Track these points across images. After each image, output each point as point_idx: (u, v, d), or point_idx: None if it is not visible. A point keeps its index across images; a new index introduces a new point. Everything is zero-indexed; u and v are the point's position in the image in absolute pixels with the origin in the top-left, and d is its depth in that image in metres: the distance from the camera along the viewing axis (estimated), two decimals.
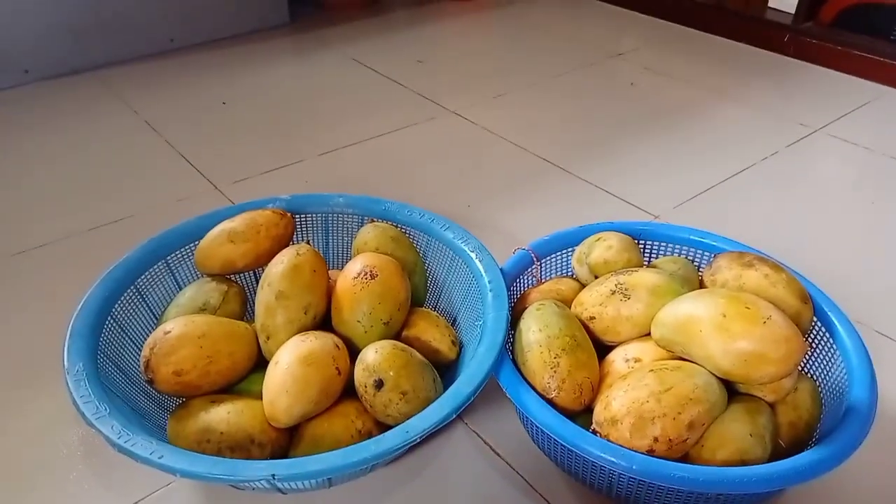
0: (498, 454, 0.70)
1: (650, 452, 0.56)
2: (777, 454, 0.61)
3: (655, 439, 0.56)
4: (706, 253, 0.78)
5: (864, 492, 0.67)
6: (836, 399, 0.64)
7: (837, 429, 0.58)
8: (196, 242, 0.76)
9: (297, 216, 0.81)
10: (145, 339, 0.65)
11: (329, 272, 0.72)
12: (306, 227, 0.83)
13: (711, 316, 0.59)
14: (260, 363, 0.68)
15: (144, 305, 0.73)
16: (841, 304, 0.69)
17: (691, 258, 0.79)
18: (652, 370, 0.59)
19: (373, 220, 0.81)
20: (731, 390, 0.62)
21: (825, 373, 0.68)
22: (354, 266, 0.70)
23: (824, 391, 0.67)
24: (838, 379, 0.65)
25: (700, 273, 0.75)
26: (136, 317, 0.72)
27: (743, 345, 0.57)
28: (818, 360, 0.69)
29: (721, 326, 0.58)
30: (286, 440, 0.63)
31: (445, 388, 0.64)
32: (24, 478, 0.67)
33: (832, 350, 0.67)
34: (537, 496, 0.66)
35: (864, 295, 0.90)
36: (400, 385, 0.61)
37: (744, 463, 0.57)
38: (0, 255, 0.97)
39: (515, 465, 0.69)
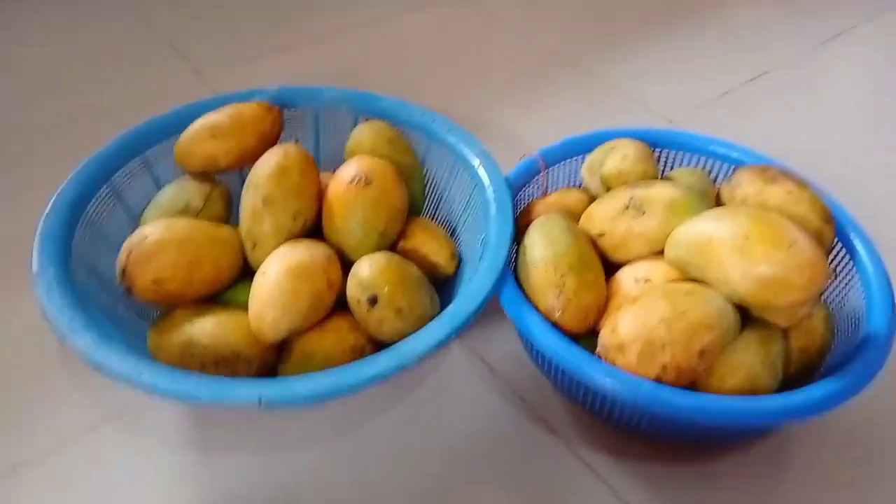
0: (496, 373, 0.68)
1: (658, 380, 0.53)
2: (787, 382, 0.58)
3: (664, 367, 0.53)
4: (726, 165, 0.73)
5: (878, 426, 0.65)
6: (852, 326, 0.61)
7: (852, 358, 0.56)
8: (176, 137, 0.70)
9: (286, 111, 0.75)
10: (123, 243, 0.60)
11: (320, 175, 0.67)
12: (295, 124, 0.77)
13: (732, 237, 0.54)
14: (246, 271, 0.64)
15: (121, 205, 0.68)
16: (867, 225, 0.65)
17: (709, 170, 0.74)
18: (664, 293, 0.55)
19: (368, 119, 0.75)
20: (743, 315, 0.58)
21: (841, 299, 0.64)
22: (348, 170, 0.64)
23: (839, 317, 0.64)
24: (855, 305, 0.62)
25: (717, 186, 0.70)
26: (112, 218, 0.67)
27: (764, 269, 0.53)
28: (835, 284, 0.66)
29: (742, 249, 0.54)
30: (274, 355, 0.60)
31: (443, 304, 0.61)
32: None
33: (852, 275, 0.64)
34: (535, 417, 0.64)
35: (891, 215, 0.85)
36: (395, 301, 0.57)
37: (753, 391, 0.55)
38: None
39: (513, 385, 0.67)
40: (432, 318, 0.56)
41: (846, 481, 0.61)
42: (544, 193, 0.72)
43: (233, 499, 0.59)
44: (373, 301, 0.57)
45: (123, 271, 0.58)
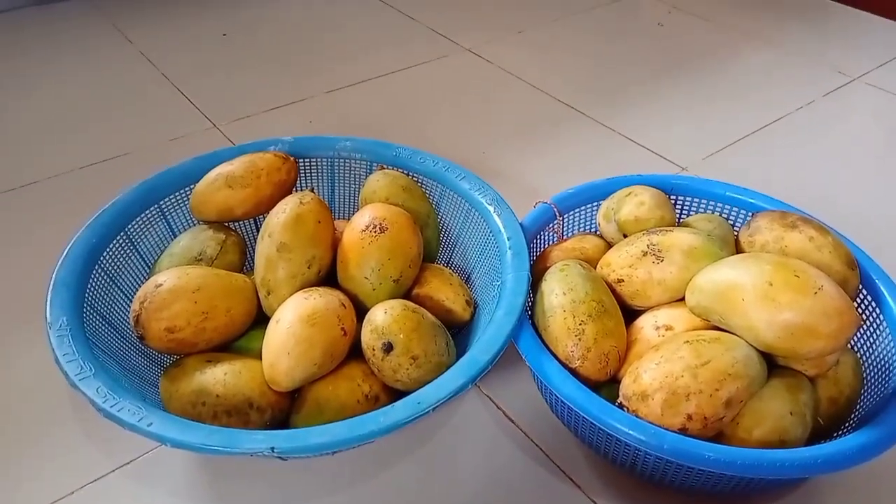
0: (513, 422, 0.66)
1: (682, 431, 0.51)
2: (816, 431, 0.56)
3: (689, 417, 0.51)
4: (743, 211, 0.72)
5: None
6: (882, 375, 0.59)
7: (885, 409, 0.54)
8: (192, 186, 0.70)
9: (301, 160, 0.75)
10: (137, 291, 0.60)
11: (335, 223, 0.66)
12: (310, 173, 0.77)
13: (756, 284, 0.53)
14: (260, 319, 0.63)
15: (136, 254, 0.68)
16: (889, 270, 0.64)
17: (726, 216, 0.73)
18: (687, 341, 0.54)
19: (382, 167, 0.75)
20: (770, 363, 0.57)
21: (869, 346, 0.63)
22: (363, 217, 0.64)
23: (867, 366, 0.62)
24: (885, 353, 0.60)
25: (736, 233, 0.69)
26: (126, 266, 0.67)
27: (790, 317, 0.52)
28: (863, 331, 0.64)
29: (767, 296, 0.53)
30: (287, 404, 0.58)
31: (458, 351, 0.59)
32: (8, 435, 0.64)
33: (879, 321, 0.62)
34: (554, 467, 0.62)
35: None
36: (410, 349, 0.56)
37: (782, 443, 0.53)
38: None
39: (531, 433, 0.65)
40: (449, 365, 0.55)
41: None
42: (560, 239, 0.71)
43: None
44: (388, 348, 0.56)
45: (137, 319, 0.57)
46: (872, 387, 0.60)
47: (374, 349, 0.57)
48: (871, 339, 0.63)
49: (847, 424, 0.60)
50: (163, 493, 0.60)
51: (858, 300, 0.64)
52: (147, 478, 0.61)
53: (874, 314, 0.63)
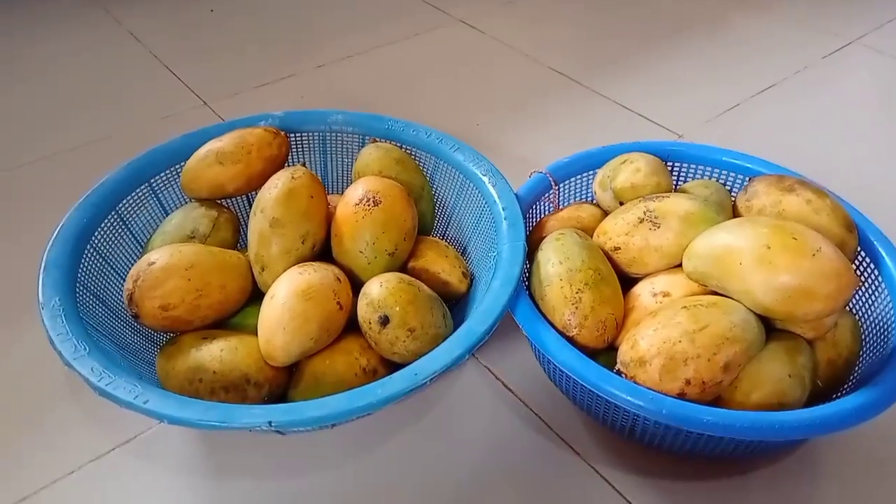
0: (512, 391, 0.66)
1: (681, 396, 0.51)
2: (814, 394, 0.56)
3: (687, 382, 0.51)
4: (740, 176, 0.71)
5: None
6: (880, 336, 0.59)
7: (884, 370, 0.54)
8: (182, 164, 0.69)
9: (292, 135, 0.74)
10: (130, 270, 0.59)
11: (328, 197, 0.66)
12: (302, 148, 0.76)
13: (753, 247, 0.53)
14: (255, 296, 0.62)
15: (128, 233, 0.67)
16: (887, 231, 0.63)
17: (723, 181, 0.72)
18: (685, 307, 0.54)
19: (375, 140, 0.74)
20: (768, 326, 0.56)
21: (868, 308, 0.62)
22: (356, 191, 0.63)
23: (866, 327, 0.62)
24: (883, 314, 0.60)
25: (733, 198, 0.68)
26: (119, 245, 0.66)
27: (788, 279, 0.51)
28: (860, 293, 0.64)
29: (764, 259, 0.52)
30: (284, 378, 0.58)
31: (456, 323, 0.59)
32: (7, 417, 0.64)
33: (878, 283, 0.62)
34: (553, 435, 0.62)
35: None
36: (407, 321, 0.56)
37: (781, 405, 0.53)
38: None
39: (530, 403, 0.65)
40: (446, 337, 0.55)
41: (875, 494, 0.58)
42: (556, 209, 0.71)
43: None
44: (384, 321, 0.56)
45: (130, 298, 0.57)
46: (871, 348, 0.60)
47: (370, 322, 0.57)
48: (870, 301, 0.62)
49: (846, 386, 0.60)
50: (163, 469, 0.60)
51: (857, 262, 0.64)
52: (147, 455, 0.61)
53: (872, 276, 0.62)
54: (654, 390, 0.51)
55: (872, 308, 0.62)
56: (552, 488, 0.59)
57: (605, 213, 0.68)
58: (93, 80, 1.11)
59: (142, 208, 0.69)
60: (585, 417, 0.63)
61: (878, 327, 0.60)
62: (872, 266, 0.62)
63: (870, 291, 0.63)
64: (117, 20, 1.27)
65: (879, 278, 0.61)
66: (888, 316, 0.59)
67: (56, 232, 0.61)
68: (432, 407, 0.65)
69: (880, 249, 0.62)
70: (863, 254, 0.63)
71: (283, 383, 0.58)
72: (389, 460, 0.61)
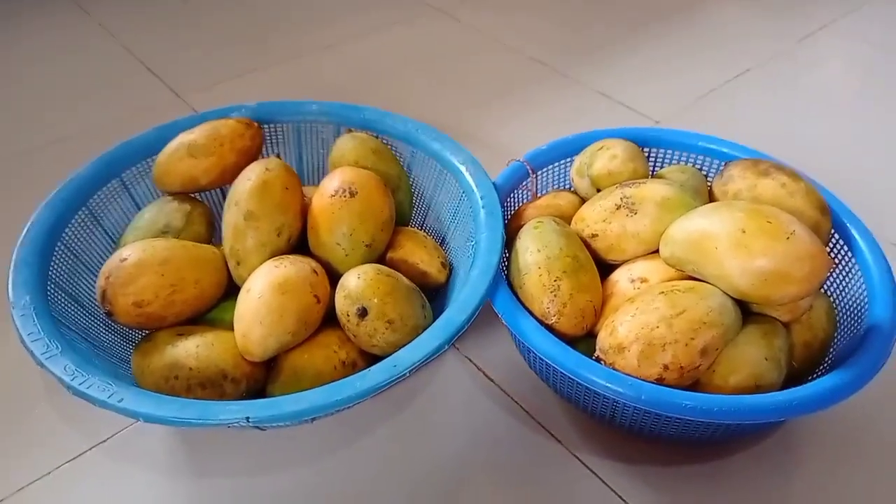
0: (492, 381, 0.66)
1: (659, 381, 0.51)
2: (790, 376, 0.57)
3: (665, 367, 0.51)
4: (716, 161, 0.71)
5: (885, 416, 0.63)
6: (854, 318, 0.60)
7: (857, 351, 0.54)
8: (155, 157, 0.68)
9: (266, 126, 0.73)
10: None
11: (304, 189, 0.65)
12: (276, 139, 0.75)
13: (729, 232, 0.53)
14: (231, 290, 0.62)
15: (100, 229, 0.66)
16: (860, 214, 0.64)
17: (699, 166, 0.73)
18: (662, 292, 0.54)
19: (351, 130, 0.73)
20: (744, 310, 0.57)
21: (842, 290, 0.63)
22: (331, 182, 0.63)
23: (840, 309, 0.62)
24: (857, 295, 0.61)
25: (709, 183, 0.68)
26: (90, 242, 0.65)
27: (763, 263, 0.52)
28: (835, 275, 0.64)
29: (740, 243, 0.52)
30: (262, 374, 0.57)
31: (435, 313, 0.59)
32: None
33: (851, 265, 0.62)
34: (535, 424, 0.62)
35: (883, 205, 0.84)
36: (385, 313, 0.56)
37: (758, 388, 0.53)
38: None
39: (511, 392, 0.65)
40: (425, 328, 0.55)
41: (854, 473, 0.59)
42: (534, 197, 0.71)
43: None
44: (362, 313, 0.55)
45: (103, 295, 0.56)
46: (845, 329, 0.61)
47: (348, 315, 0.57)
48: (843, 283, 0.63)
49: (821, 367, 0.60)
50: (142, 468, 0.59)
51: (830, 245, 0.64)
52: (125, 454, 0.60)
53: (846, 258, 0.63)
54: (632, 376, 0.51)
55: (846, 289, 0.62)
56: (534, 476, 0.59)
57: (583, 201, 0.68)
58: (62, 74, 1.08)
59: (113, 203, 0.68)
60: (566, 405, 0.64)
61: (851, 308, 0.61)
62: (846, 248, 0.63)
63: (843, 273, 0.63)
64: (86, 11, 1.24)
65: (853, 260, 0.62)
66: (861, 297, 0.60)
67: (25, 230, 0.60)
68: (413, 398, 0.64)
69: (853, 231, 0.63)
70: (836, 236, 0.64)
71: (261, 379, 0.57)
72: (371, 453, 0.60)
